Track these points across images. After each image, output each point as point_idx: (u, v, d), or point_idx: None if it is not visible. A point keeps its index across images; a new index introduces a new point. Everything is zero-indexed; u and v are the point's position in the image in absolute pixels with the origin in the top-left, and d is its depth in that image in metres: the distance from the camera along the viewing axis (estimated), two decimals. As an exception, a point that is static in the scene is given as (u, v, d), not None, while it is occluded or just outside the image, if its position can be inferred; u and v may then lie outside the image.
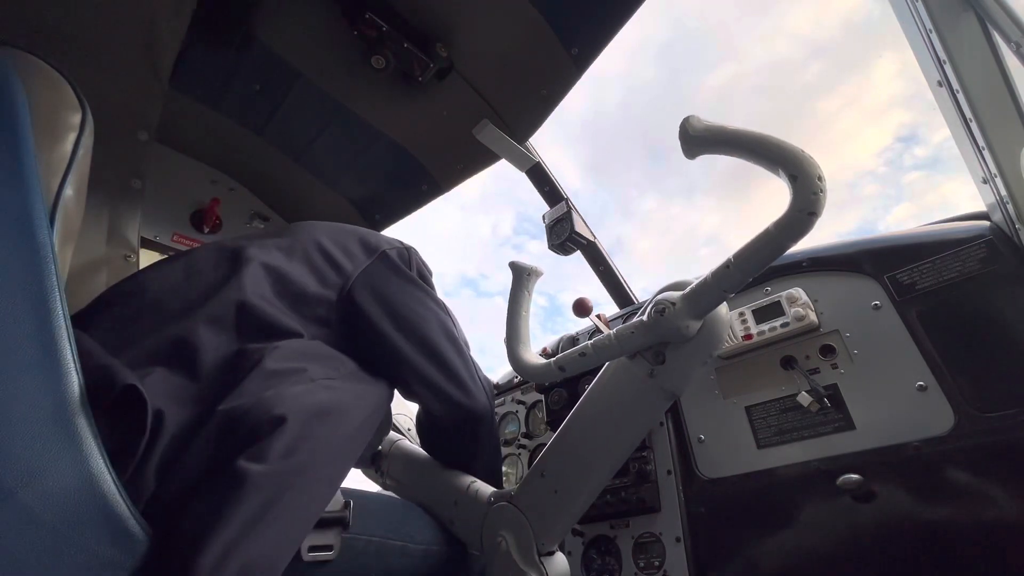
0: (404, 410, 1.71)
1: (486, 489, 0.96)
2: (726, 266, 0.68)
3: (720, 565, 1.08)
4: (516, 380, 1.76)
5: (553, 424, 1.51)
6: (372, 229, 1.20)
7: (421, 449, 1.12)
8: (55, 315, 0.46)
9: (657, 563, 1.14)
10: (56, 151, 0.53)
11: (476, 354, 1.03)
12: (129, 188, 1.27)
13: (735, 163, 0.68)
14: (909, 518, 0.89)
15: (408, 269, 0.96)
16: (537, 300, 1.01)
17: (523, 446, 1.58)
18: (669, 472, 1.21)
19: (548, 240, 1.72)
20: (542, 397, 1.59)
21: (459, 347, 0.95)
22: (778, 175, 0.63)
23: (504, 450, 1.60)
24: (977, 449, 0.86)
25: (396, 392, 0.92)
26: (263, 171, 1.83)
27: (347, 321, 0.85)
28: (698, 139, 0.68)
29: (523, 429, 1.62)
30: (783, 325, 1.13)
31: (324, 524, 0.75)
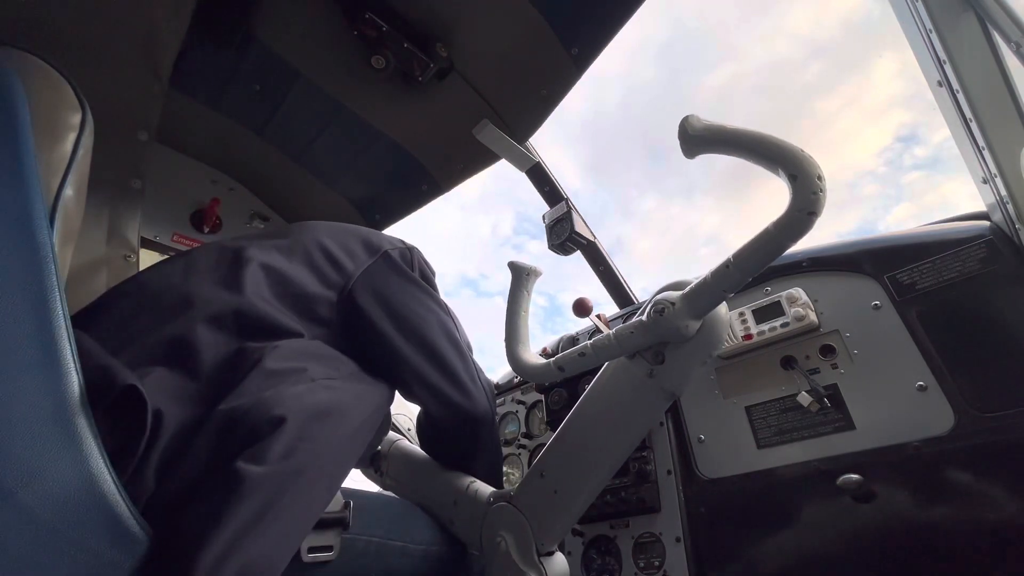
0: (404, 410, 1.71)
1: (485, 489, 0.96)
2: (726, 266, 0.68)
3: (720, 565, 1.08)
4: (516, 380, 1.76)
5: (553, 424, 1.51)
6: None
7: (421, 449, 1.12)
8: (55, 315, 0.46)
9: (657, 563, 1.14)
10: (56, 151, 0.53)
11: (476, 354, 1.03)
12: (129, 188, 1.27)
13: (735, 163, 0.68)
14: (909, 518, 0.89)
15: (410, 269, 0.96)
16: (537, 300, 1.01)
17: (523, 446, 1.58)
18: (669, 472, 1.21)
19: (548, 240, 1.72)
20: (542, 397, 1.59)
21: (460, 349, 0.95)
22: (778, 175, 0.63)
23: (504, 450, 1.60)
24: (977, 449, 0.86)
25: (396, 392, 0.92)
26: (263, 171, 1.83)
27: (348, 321, 0.85)
28: (697, 138, 0.68)
29: (523, 429, 1.62)
30: (783, 325, 1.13)
31: (324, 525, 0.75)
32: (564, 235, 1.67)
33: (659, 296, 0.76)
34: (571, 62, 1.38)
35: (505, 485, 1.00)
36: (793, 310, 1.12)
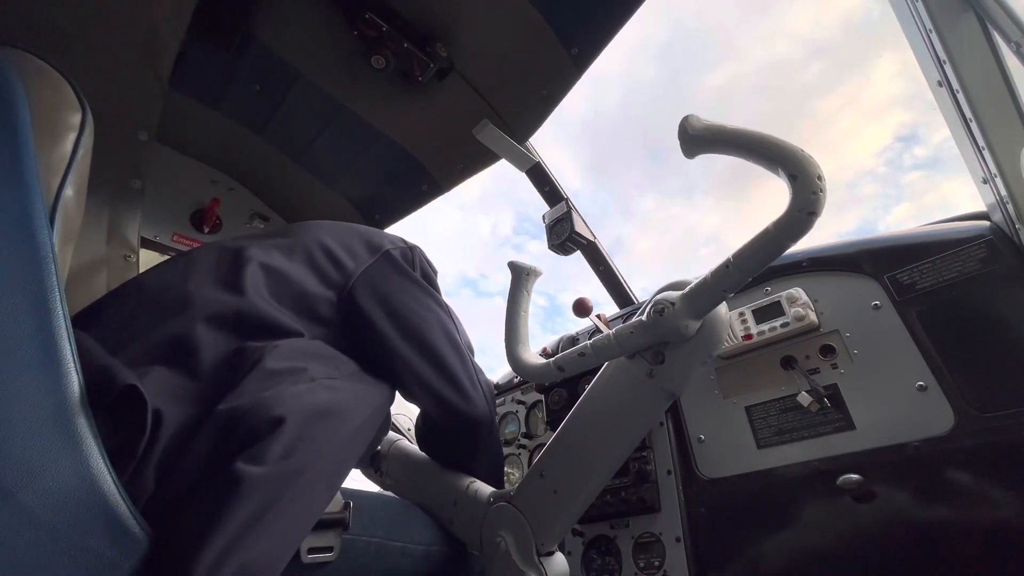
0: (404, 410, 1.71)
1: (485, 489, 0.95)
2: (725, 266, 0.68)
3: (720, 565, 1.08)
4: (516, 380, 1.76)
5: (553, 424, 1.51)
6: (372, 229, 1.19)
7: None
8: (55, 315, 0.46)
9: (657, 563, 1.14)
10: (56, 151, 0.53)
11: (475, 354, 1.02)
12: (129, 188, 1.27)
13: (735, 163, 0.68)
14: (909, 518, 0.89)
15: (411, 269, 0.95)
16: (537, 300, 1.01)
17: (523, 446, 1.58)
18: (669, 472, 1.21)
19: (548, 240, 1.72)
20: (542, 397, 1.59)
21: (460, 351, 0.94)
22: (777, 174, 0.63)
23: (504, 450, 1.60)
24: (977, 449, 0.85)
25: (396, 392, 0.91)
26: (263, 171, 1.83)
27: (348, 321, 0.85)
28: (697, 138, 0.68)
29: (523, 429, 1.62)
30: (783, 325, 1.13)
31: (324, 525, 0.74)
32: (564, 235, 1.67)
33: (659, 296, 0.76)
34: (571, 62, 1.38)
35: (505, 485, 1.00)
36: (793, 310, 1.12)
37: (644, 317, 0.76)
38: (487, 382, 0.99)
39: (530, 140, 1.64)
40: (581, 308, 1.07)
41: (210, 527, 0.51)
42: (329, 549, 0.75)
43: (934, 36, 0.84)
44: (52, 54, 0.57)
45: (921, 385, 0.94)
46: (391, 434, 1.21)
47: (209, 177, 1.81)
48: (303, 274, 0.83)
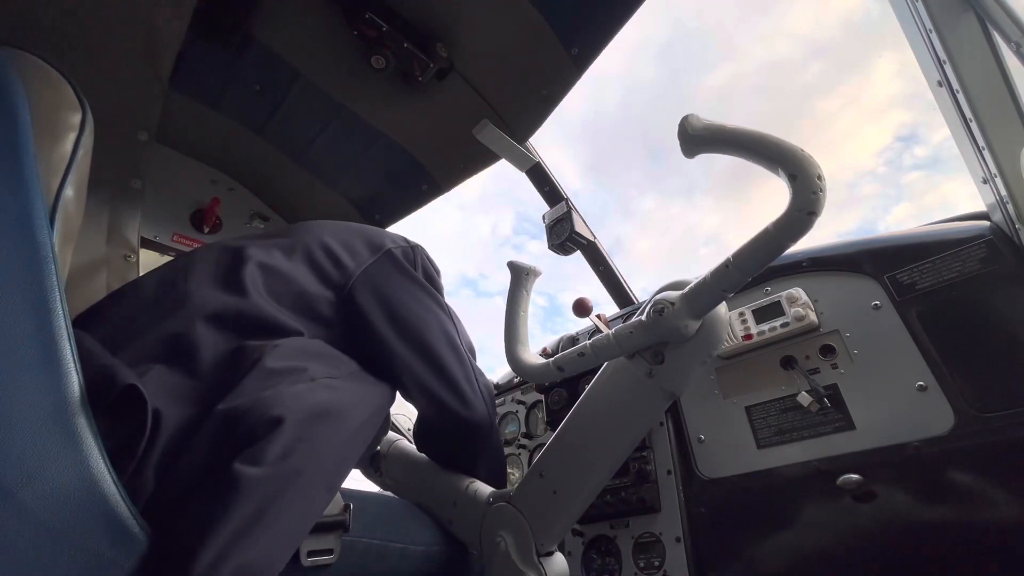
0: (404, 410, 1.71)
1: (485, 489, 0.95)
2: (725, 266, 0.68)
3: (720, 565, 1.08)
4: (516, 380, 1.76)
5: (553, 424, 1.51)
6: (373, 229, 1.19)
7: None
8: (55, 315, 0.46)
9: (657, 563, 1.14)
10: (56, 151, 0.53)
11: (475, 355, 1.02)
12: (129, 188, 1.27)
13: (734, 163, 0.68)
14: (909, 518, 0.89)
15: (413, 268, 0.94)
16: (537, 300, 1.01)
17: (523, 446, 1.58)
18: (669, 472, 1.21)
19: (548, 240, 1.72)
20: (542, 397, 1.59)
21: (459, 353, 0.93)
22: (777, 174, 0.63)
23: (504, 450, 1.60)
24: (977, 449, 0.86)
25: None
26: (263, 171, 1.83)
27: (348, 321, 0.84)
28: (697, 138, 0.68)
29: (523, 429, 1.62)
30: (783, 325, 1.13)
31: (324, 528, 0.74)
32: (564, 235, 1.67)
33: (659, 296, 0.76)
34: (571, 62, 1.38)
35: (507, 486, 0.99)
36: (793, 310, 1.12)
37: (644, 317, 0.76)
38: (487, 385, 0.98)
39: (530, 140, 1.64)
40: (581, 308, 1.07)
41: (209, 527, 0.51)
42: (329, 552, 0.74)
43: (934, 36, 0.84)
44: (52, 54, 0.57)
45: (921, 385, 0.94)
46: (391, 434, 1.21)
47: (209, 177, 1.81)
48: (303, 273, 0.83)
